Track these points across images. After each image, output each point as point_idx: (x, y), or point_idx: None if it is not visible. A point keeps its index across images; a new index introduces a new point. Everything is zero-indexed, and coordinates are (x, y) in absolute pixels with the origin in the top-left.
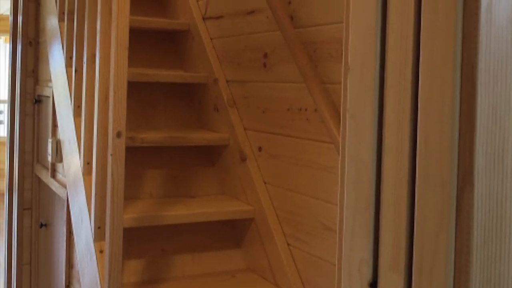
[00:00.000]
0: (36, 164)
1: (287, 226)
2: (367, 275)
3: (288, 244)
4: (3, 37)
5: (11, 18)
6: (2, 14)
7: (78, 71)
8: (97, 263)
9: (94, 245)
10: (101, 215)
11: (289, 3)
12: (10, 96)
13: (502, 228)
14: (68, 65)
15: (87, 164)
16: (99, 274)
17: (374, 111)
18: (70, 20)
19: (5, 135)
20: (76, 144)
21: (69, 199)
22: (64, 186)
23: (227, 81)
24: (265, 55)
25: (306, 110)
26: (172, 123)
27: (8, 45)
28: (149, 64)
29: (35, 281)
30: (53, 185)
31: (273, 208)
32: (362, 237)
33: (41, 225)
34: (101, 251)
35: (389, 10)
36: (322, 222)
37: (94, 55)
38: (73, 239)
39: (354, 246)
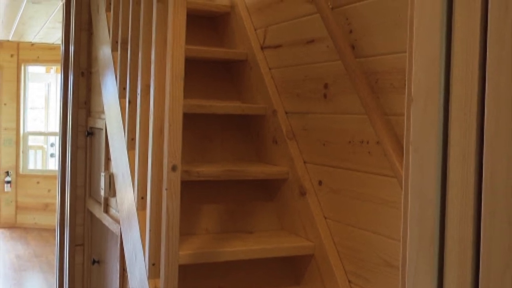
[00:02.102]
0: (88, 199)
1: (348, 262)
2: None
3: (349, 282)
4: (54, 67)
5: (62, 48)
6: (53, 43)
7: (132, 102)
8: None
9: (149, 283)
10: (156, 252)
11: (350, 32)
12: (61, 128)
13: None
14: (121, 96)
15: (141, 198)
16: None
17: (438, 145)
18: (124, 49)
19: (57, 168)
20: (130, 178)
21: (122, 235)
22: (118, 221)
23: (286, 113)
24: (326, 86)
25: (368, 142)
26: (229, 156)
27: (59, 75)
28: (205, 95)
29: None
30: (106, 221)
31: (334, 244)
32: (426, 274)
33: (94, 262)
34: None
35: (454, 40)
36: (384, 259)
37: (149, 86)
38: (127, 276)
39: (417, 283)
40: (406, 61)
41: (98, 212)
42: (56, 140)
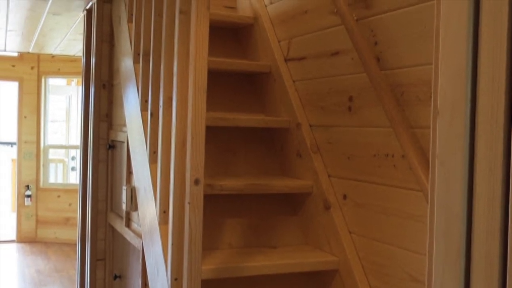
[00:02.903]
0: (109, 213)
1: (373, 277)
2: None
3: None
4: (75, 79)
5: (83, 60)
6: (74, 56)
7: (154, 115)
8: None
9: None
10: (178, 267)
11: (376, 44)
12: (82, 141)
13: None
14: (143, 108)
15: (163, 213)
16: None
17: (465, 158)
18: (146, 61)
19: (78, 182)
20: (152, 191)
21: (144, 250)
22: (139, 236)
23: (310, 126)
24: (350, 98)
25: (393, 156)
26: (252, 170)
27: (80, 87)
28: (228, 108)
29: None
30: (128, 235)
31: (359, 259)
32: None
33: (115, 277)
34: None
35: (481, 52)
36: (410, 274)
37: (171, 98)
38: None
39: None
40: (432, 73)
41: (120, 226)
42: (77, 153)
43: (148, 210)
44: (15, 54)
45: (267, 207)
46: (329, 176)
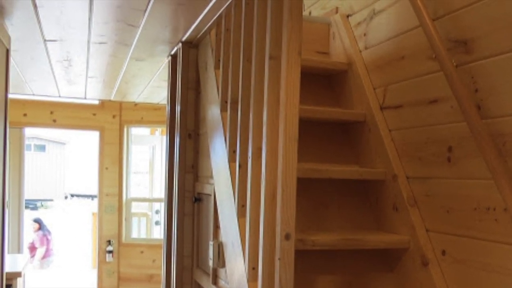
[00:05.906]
0: (196, 269)
1: None
2: None
3: None
4: (159, 129)
5: (168, 108)
6: (158, 103)
7: (243, 166)
8: None
9: None
10: None
11: (476, 91)
12: (167, 194)
13: None
14: (231, 159)
15: (252, 269)
16: None
17: None
18: (234, 110)
19: (162, 237)
20: (240, 247)
21: None
22: None
23: (407, 178)
24: (450, 149)
25: (494, 209)
26: (346, 224)
27: (165, 137)
28: (320, 159)
29: None
30: None
31: None
32: None
33: None
34: None
35: None
36: None
37: (260, 149)
38: None
39: None
40: None
41: (206, 283)
42: (161, 206)
43: (236, 267)
44: (96, 102)
45: (362, 263)
46: (427, 230)
